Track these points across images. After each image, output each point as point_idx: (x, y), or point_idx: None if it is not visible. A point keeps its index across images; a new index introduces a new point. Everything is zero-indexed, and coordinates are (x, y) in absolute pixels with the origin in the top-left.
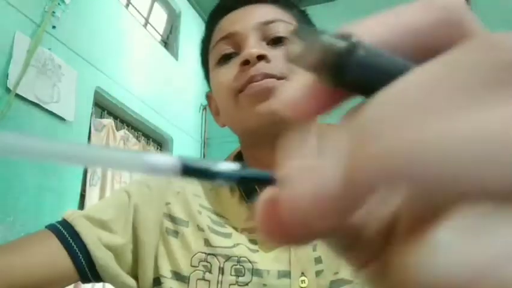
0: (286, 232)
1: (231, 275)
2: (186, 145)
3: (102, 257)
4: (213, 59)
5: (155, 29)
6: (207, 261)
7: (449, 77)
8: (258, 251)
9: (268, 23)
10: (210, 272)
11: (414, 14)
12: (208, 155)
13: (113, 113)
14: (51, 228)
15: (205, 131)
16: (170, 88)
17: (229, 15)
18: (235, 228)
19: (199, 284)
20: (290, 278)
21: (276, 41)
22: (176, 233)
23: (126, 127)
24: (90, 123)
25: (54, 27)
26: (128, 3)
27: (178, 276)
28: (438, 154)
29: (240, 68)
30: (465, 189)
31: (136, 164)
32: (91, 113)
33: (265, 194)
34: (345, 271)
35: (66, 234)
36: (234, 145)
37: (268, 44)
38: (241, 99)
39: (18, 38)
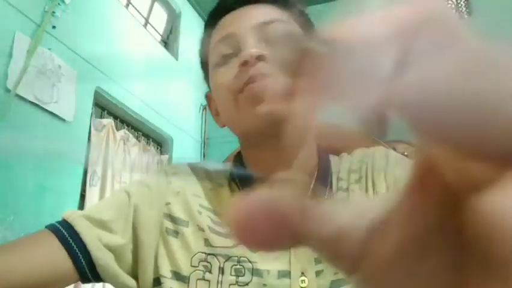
0: (260, 239)
1: (231, 275)
2: (186, 145)
3: (102, 257)
4: (212, 59)
5: (155, 29)
6: (207, 261)
7: None
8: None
9: (267, 23)
10: (210, 272)
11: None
12: (208, 155)
13: (113, 113)
14: (51, 228)
15: (205, 131)
16: (170, 88)
17: (228, 16)
18: None
19: (199, 284)
20: (290, 278)
21: (276, 42)
22: (176, 233)
23: (126, 127)
24: (90, 123)
25: (54, 27)
26: (128, 3)
27: (178, 276)
28: None
29: (239, 69)
30: None
31: None
32: (91, 113)
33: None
34: None
35: (66, 234)
36: (234, 145)
37: (267, 44)
38: (241, 100)
39: (18, 38)
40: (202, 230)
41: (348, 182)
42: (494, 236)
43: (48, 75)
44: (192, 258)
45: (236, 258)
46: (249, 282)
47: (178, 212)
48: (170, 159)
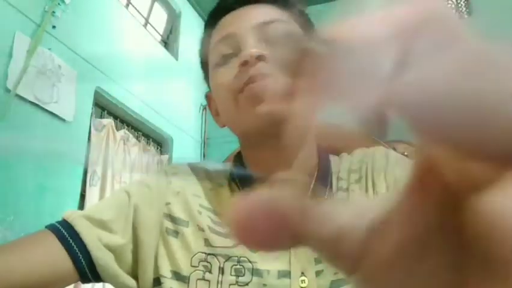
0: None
1: (231, 275)
2: (186, 145)
3: (102, 257)
4: (212, 59)
5: (155, 29)
6: (207, 261)
7: None
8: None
9: (267, 23)
10: (210, 272)
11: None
12: (208, 155)
13: (113, 113)
14: (51, 228)
15: (205, 131)
16: (170, 88)
17: (228, 16)
18: None
19: (199, 284)
20: (290, 277)
21: (276, 42)
22: (176, 233)
23: (126, 127)
24: (90, 123)
25: (54, 27)
26: (128, 3)
27: (178, 276)
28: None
29: (239, 69)
30: None
31: None
32: (91, 113)
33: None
34: None
35: (66, 234)
36: (234, 145)
37: (267, 44)
38: (241, 100)
39: (18, 38)
40: (202, 230)
41: (348, 182)
42: (494, 236)
43: (48, 75)
44: (191, 258)
45: (236, 258)
46: (249, 282)
47: (178, 212)
48: (170, 159)
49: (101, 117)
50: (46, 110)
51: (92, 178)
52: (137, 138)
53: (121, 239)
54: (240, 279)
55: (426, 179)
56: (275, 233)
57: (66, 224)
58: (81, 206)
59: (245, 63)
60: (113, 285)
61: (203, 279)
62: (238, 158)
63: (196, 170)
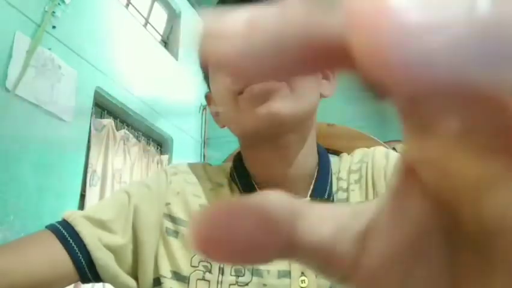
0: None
1: (231, 275)
2: (186, 145)
3: (102, 257)
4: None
5: (155, 29)
6: (207, 261)
7: None
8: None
9: None
10: (210, 272)
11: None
12: (208, 155)
13: (113, 113)
14: (51, 228)
15: (205, 131)
16: (170, 88)
17: None
18: None
19: (199, 284)
20: (290, 277)
21: None
22: (176, 233)
23: (126, 127)
24: (90, 123)
25: (54, 27)
26: (128, 3)
27: (178, 276)
28: None
29: None
30: None
31: None
32: (91, 113)
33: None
34: None
35: (66, 234)
36: (234, 145)
37: None
38: (241, 101)
39: (18, 38)
40: None
41: (348, 182)
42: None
43: (48, 75)
44: (191, 258)
45: None
46: (249, 282)
47: (178, 212)
48: (170, 159)
49: (101, 117)
50: (46, 110)
51: (92, 178)
52: (137, 138)
53: (121, 239)
54: (240, 279)
55: (410, 179)
56: (261, 241)
57: (66, 224)
58: (81, 206)
59: None
60: (113, 285)
61: (203, 279)
62: (238, 158)
63: (196, 170)
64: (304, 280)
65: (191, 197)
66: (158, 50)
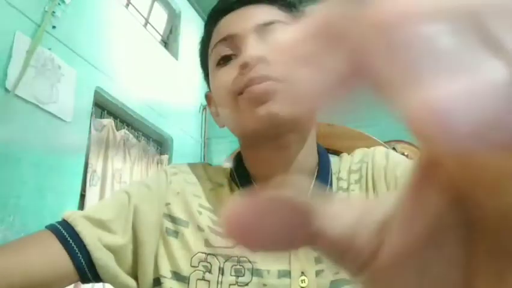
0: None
1: (231, 275)
2: (186, 145)
3: (102, 257)
4: (212, 60)
5: (155, 29)
6: (207, 261)
7: None
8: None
9: (267, 24)
10: (210, 272)
11: None
12: (208, 155)
13: (113, 113)
14: (51, 228)
15: (205, 131)
16: (170, 88)
17: (228, 17)
18: None
19: (199, 284)
20: (290, 277)
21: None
22: (176, 233)
23: (126, 127)
24: (90, 123)
25: (54, 27)
26: (128, 3)
27: (178, 276)
28: None
29: (239, 71)
30: None
31: None
32: (91, 113)
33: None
34: None
35: (66, 234)
36: (234, 145)
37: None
38: (241, 102)
39: (18, 38)
40: (202, 230)
41: (348, 182)
42: None
43: (48, 75)
44: (191, 258)
45: (236, 258)
46: (249, 282)
47: (178, 212)
48: (170, 159)
49: (101, 117)
50: (46, 110)
51: (92, 178)
52: (137, 138)
53: (121, 239)
54: (240, 279)
55: (429, 174)
56: (286, 232)
57: (66, 224)
58: (81, 206)
59: (245, 65)
60: (113, 286)
61: (203, 279)
62: (238, 158)
63: (196, 170)
64: (304, 280)
65: (191, 197)
66: (158, 50)
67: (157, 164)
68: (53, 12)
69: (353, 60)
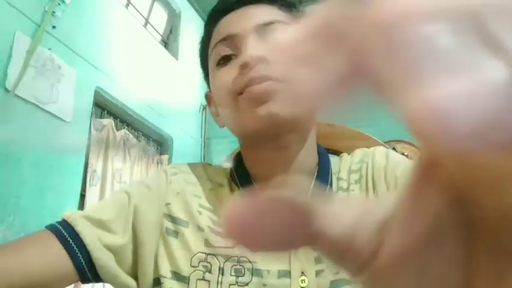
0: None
1: (231, 275)
2: (186, 145)
3: (102, 257)
4: (212, 60)
5: (155, 29)
6: (207, 261)
7: None
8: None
9: (267, 24)
10: (210, 272)
11: None
12: (208, 155)
13: (113, 113)
14: (51, 228)
15: (205, 131)
16: (170, 88)
17: (228, 17)
18: None
19: (199, 284)
20: (290, 277)
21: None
22: (176, 233)
23: (126, 127)
24: (90, 123)
25: (54, 27)
26: (128, 3)
27: (178, 276)
28: None
29: (239, 71)
30: None
31: None
32: (91, 113)
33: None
34: None
35: (66, 234)
36: (234, 145)
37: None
38: (241, 102)
39: (18, 38)
40: (202, 230)
41: (348, 182)
42: None
43: (48, 75)
44: (191, 258)
45: (236, 258)
46: (249, 282)
47: (178, 212)
48: (170, 159)
49: (101, 117)
50: (46, 110)
51: (92, 178)
52: (137, 138)
53: (121, 239)
54: (240, 279)
55: (429, 174)
56: (286, 232)
57: (66, 224)
58: (81, 206)
59: (245, 65)
60: (113, 285)
61: (203, 279)
62: (238, 158)
63: (196, 170)
64: (304, 280)
65: (191, 197)
66: (158, 50)
67: (157, 164)
68: (53, 12)
69: (353, 60)
